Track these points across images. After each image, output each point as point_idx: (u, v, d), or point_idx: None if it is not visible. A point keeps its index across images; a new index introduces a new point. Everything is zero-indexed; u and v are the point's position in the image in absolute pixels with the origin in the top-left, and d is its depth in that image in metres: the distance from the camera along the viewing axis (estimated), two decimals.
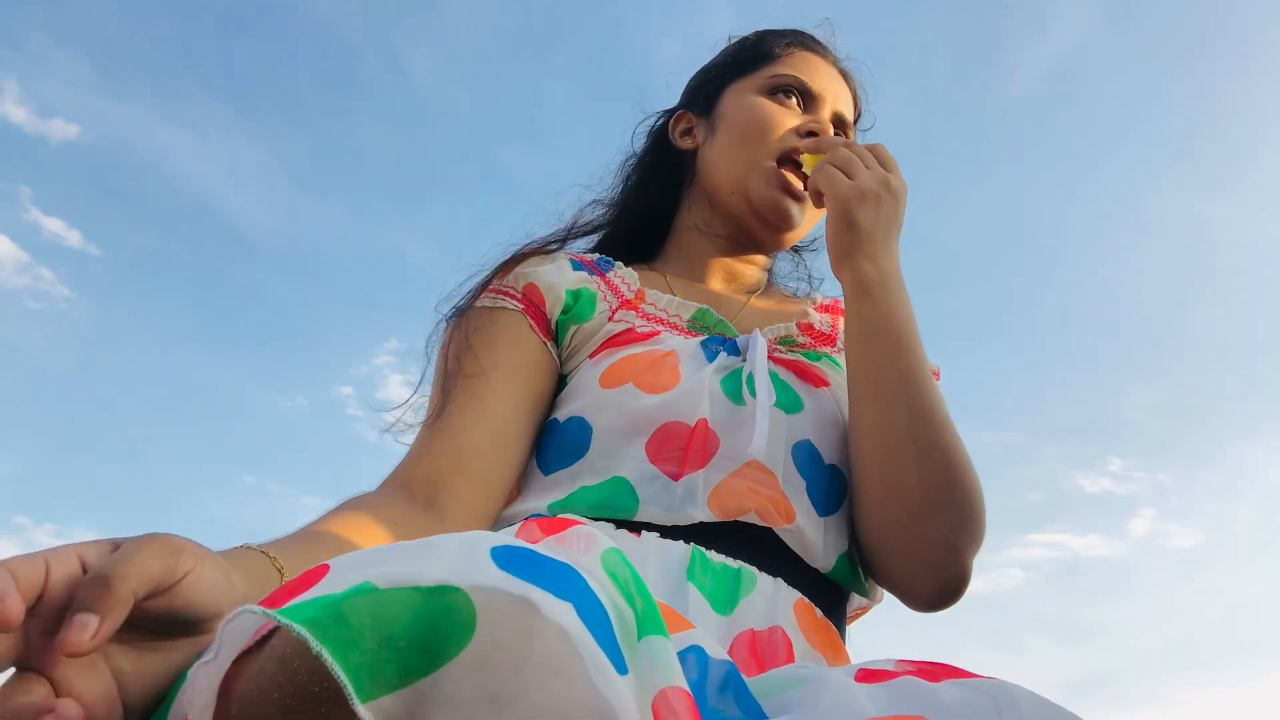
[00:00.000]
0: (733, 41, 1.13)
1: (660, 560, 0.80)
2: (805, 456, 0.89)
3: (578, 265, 1.00)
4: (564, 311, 0.95)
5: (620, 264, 1.03)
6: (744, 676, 0.59)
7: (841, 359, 0.99)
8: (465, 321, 0.95)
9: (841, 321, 1.04)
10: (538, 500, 0.86)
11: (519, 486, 0.91)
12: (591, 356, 0.94)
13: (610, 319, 0.96)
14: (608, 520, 0.83)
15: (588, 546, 0.49)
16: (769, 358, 0.93)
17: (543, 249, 1.02)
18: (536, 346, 0.94)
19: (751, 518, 0.83)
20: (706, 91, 1.10)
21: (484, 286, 0.97)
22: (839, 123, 1.06)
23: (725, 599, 0.78)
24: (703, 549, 0.80)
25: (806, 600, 0.83)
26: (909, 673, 0.57)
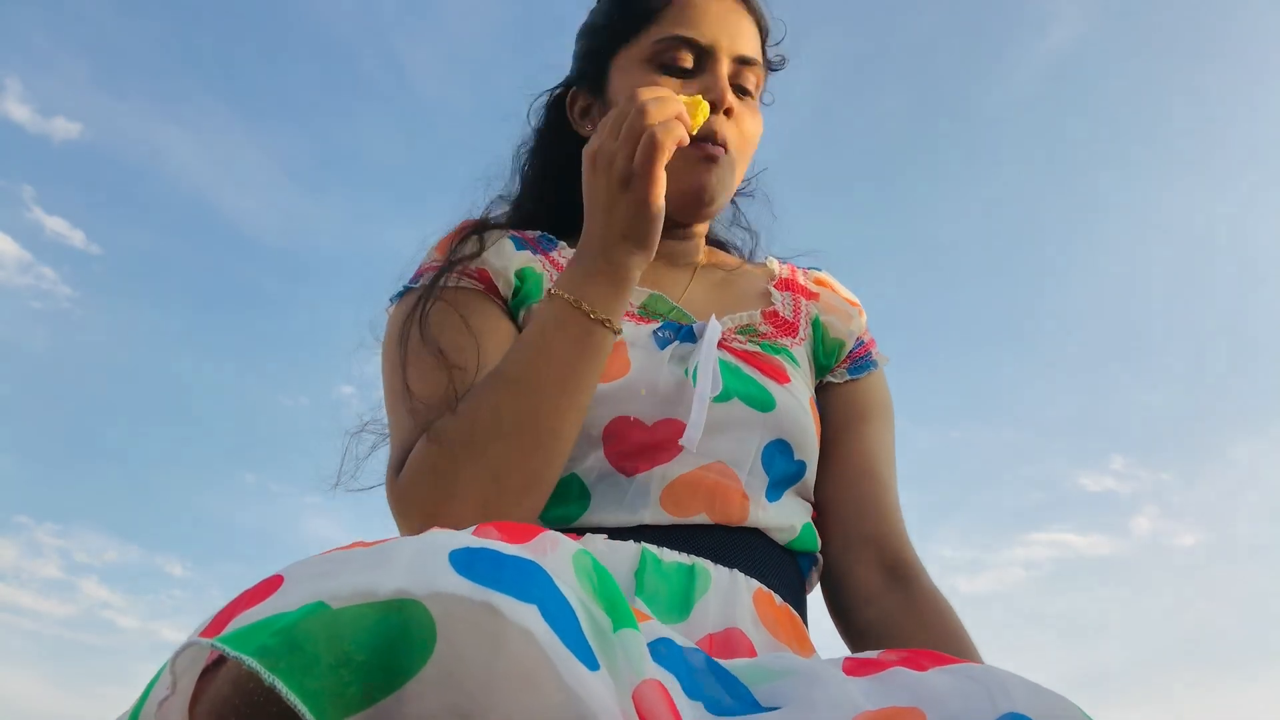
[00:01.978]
0: None
1: (609, 563, 0.77)
2: (777, 456, 0.87)
3: (520, 244, 0.95)
4: (514, 294, 0.91)
5: (564, 244, 0.98)
6: (729, 663, 0.59)
7: (799, 352, 0.97)
8: (410, 299, 0.90)
9: (803, 304, 1.01)
10: None
11: None
12: None
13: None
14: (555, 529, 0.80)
15: (554, 547, 0.48)
16: (727, 349, 0.90)
17: (477, 227, 0.97)
18: (509, 328, 0.89)
19: (701, 518, 0.81)
20: (594, 65, 0.99)
21: (438, 268, 0.91)
22: (743, 64, 0.94)
23: (679, 602, 0.76)
24: (653, 549, 0.79)
25: (765, 589, 0.82)
26: (896, 662, 0.56)
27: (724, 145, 0.91)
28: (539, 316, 0.79)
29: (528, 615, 0.37)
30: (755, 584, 0.81)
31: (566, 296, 0.77)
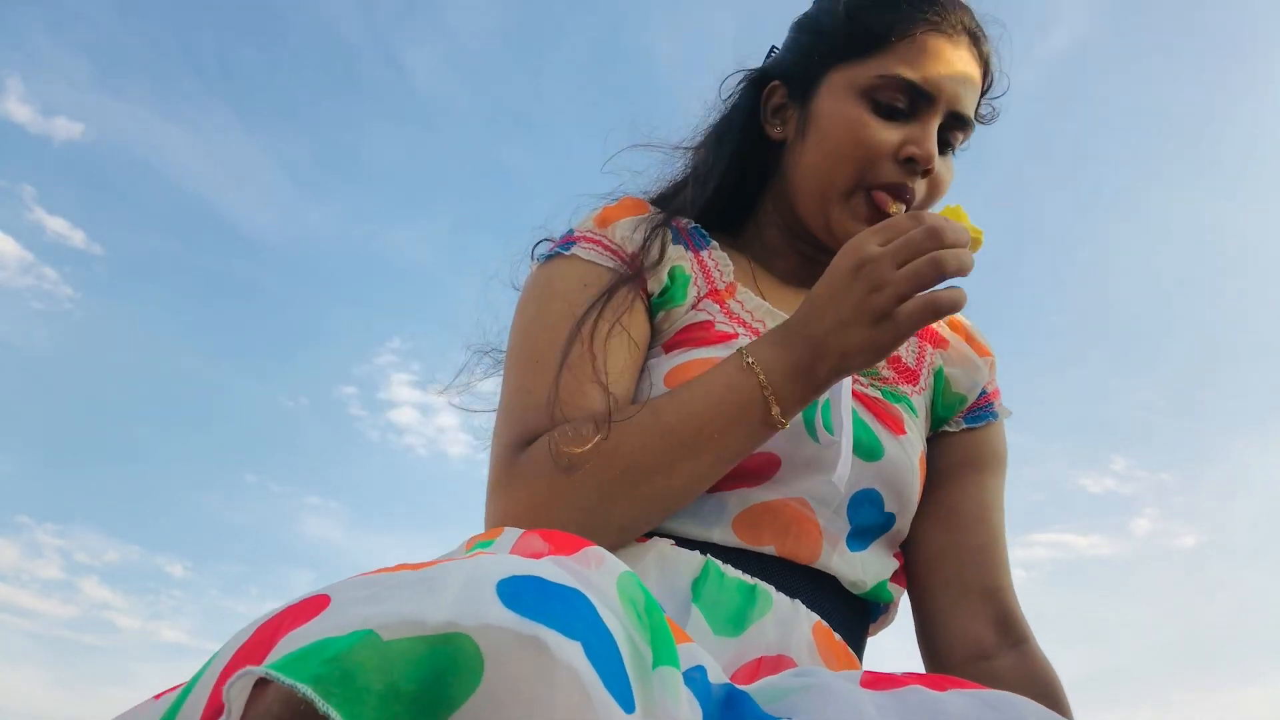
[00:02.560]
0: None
1: (664, 573, 0.77)
2: (865, 504, 0.86)
3: (676, 236, 0.92)
4: (661, 293, 0.88)
5: (716, 244, 0.94)
6: (749, 687, 0.58)
7: (918, 401, 0.94)
8: (571, 268, 0.87)
9: (929, 353, 0.97)
10: None
11: None
12: (665, 347, 0.86)
13: (695, 305, 0.88)
14: None
15: (598, 564, 0.48)
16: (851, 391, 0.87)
17: (639, 205, 0.93)
18: (645, 324, 0.87)
19: (769, 550, 0.81)
20: (807, 70, 0.92)
21: (588, 235, 0.88)
22: (953, 119, 0.88)
23: (735, 618, 0.76)
24: (718, 562, 0.78)
25: (825, 624, 0.80)
26: (915, 681, 0.56)
27: (908, 205, 0.87)
28: (727, 385, 0.75)
29: (573, 653, 0.37)
30: (816, 617, 0.80)
31: (764, 387, 0.73)
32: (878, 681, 0.56)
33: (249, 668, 0.36)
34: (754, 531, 0.80)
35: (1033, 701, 0.51)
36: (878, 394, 0.90)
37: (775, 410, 0.73)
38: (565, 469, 0.73)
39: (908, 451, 0.88)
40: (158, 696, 0.51)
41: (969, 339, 1.01)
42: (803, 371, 0.73)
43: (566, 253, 0.88)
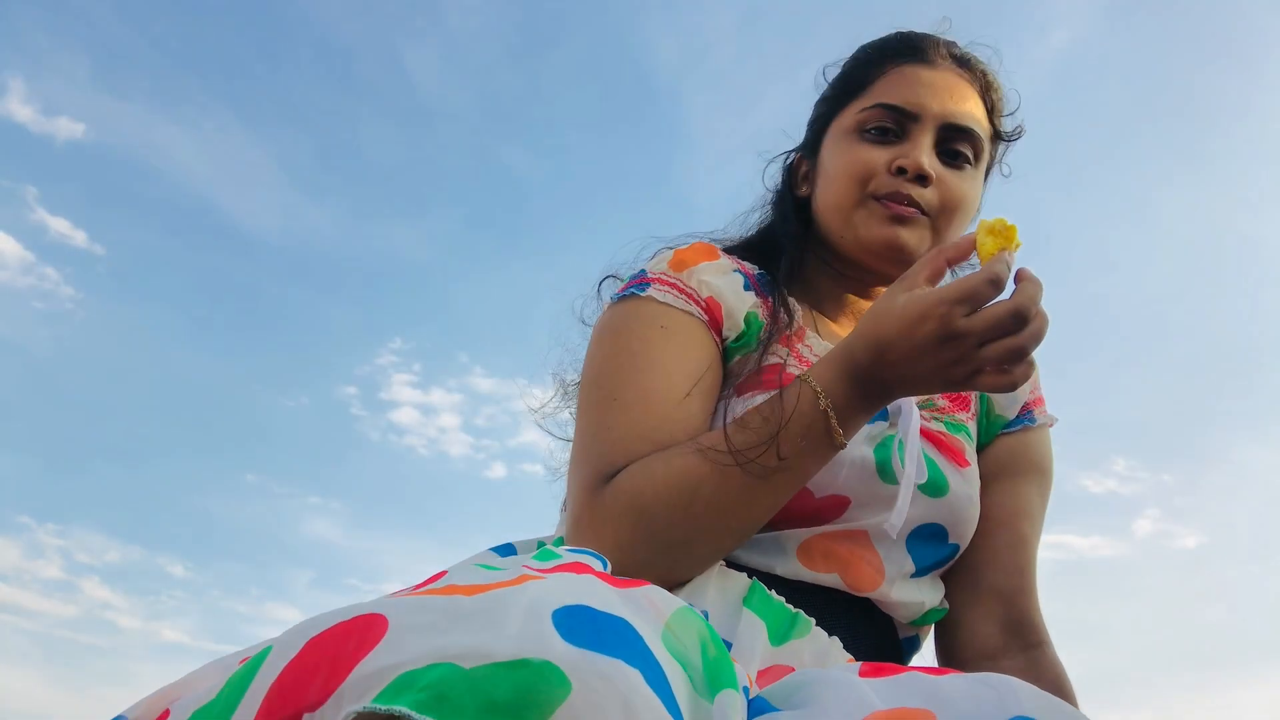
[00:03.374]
0: (842, 64, 1.04)
1: (719, 586, 0.79)
2: (929, 538, 0.88)
3: (748, 284, 0.94)
4: (736, 338, 0.90)
5: (784, 291, 0.96)
6: (765, 690, 0.60)
7: (971, 426, 0.97)
8: (648, 309, 0.88)
9: None
10: None
11: None
12: (737, 389, 0.88)
13: (766, 349, 0.90)
14: None
15: (651, 604, 0.49)
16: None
17: (710, 250, 0.95)
18: (720, 368, 0.88)
19: (834, 582, 0.83)
20: (814, 131, 1.03)
21: (662, 278, 0.90)
22: (950, 131, 0.93)
23: (778, 632, 0.78)
24: (764, 585, 0.80)
25: (854, 660, 0.82)
26: (914, 668, 0.58)
27: (918, 207, 0.91)
28: (797, 414, 0.76)
29: (635, 681, 0.39)
30: (849, 656, 0.82)
31: (832, 421, 0.76)
32: (876, 671, 0.58)
33: (353, 707, 0.37)
34: (818, 561, 0.83)
35: (1026, 683, 0.52)
36: (941, 427, 0.93)
37: (840, 443, 0.77)
38: (646, 508, 0.75)
39: (970, 483, 0.91)
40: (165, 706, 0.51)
41: None
42: (870, 403, 0.77)
43: (642, 294, 0.89)
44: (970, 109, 0.94)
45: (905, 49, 0.97)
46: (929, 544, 0.88)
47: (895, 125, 0.92)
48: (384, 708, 0.35)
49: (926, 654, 0.95)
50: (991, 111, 0.98)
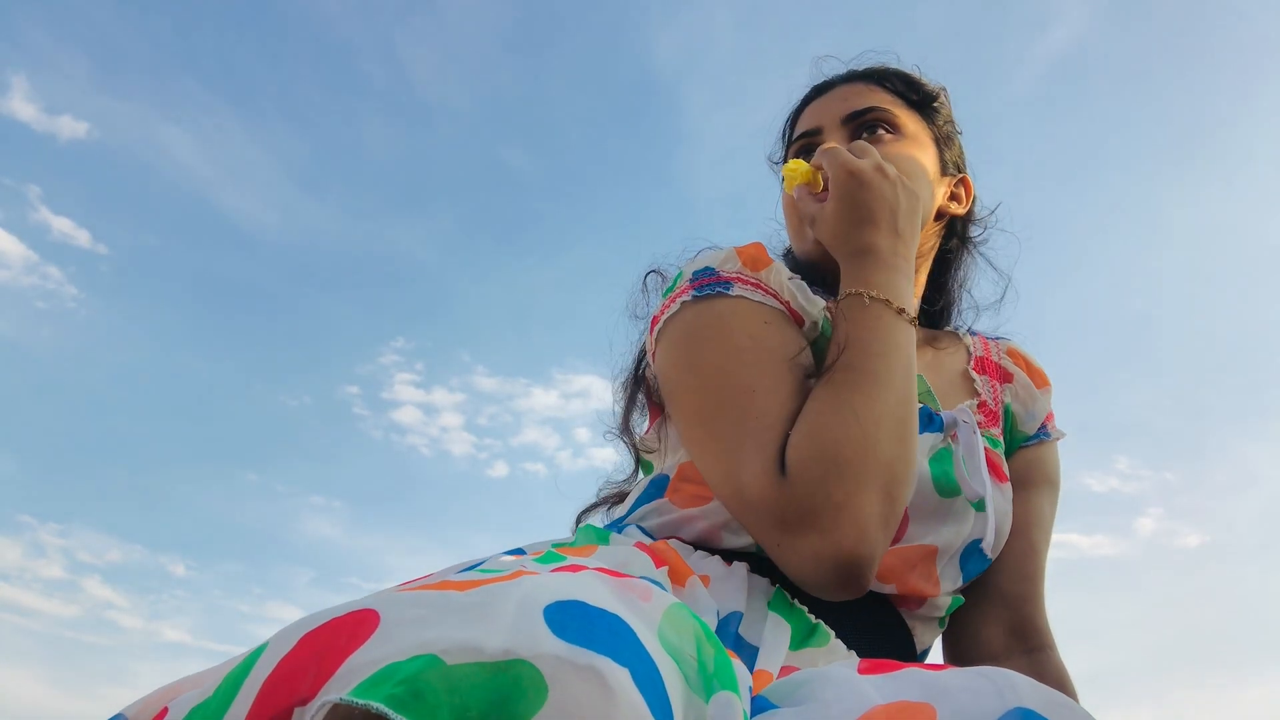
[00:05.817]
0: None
1: (748, 586, 0.79)
2: (975, 553, 0.89)
3: (812, 289, 0.93)
4: (815, 340, 0.89)
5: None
6: (767, 690, 0.60)
7: (1002, 440, 0.99)
8: (745, 307, 0.87)
9: (999, 390, 1.02)
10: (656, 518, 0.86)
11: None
12: None
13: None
14: (705, 549, 0.82)
15: (646, 598, 0.49)
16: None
17: (765, 250, 0.95)
18: (813, 368, 0.86)
19: (890, 590, 0.83)
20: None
21: (742, 277, 0.89)
22: (853, 119, 0.99)
23: (797, 639, 0.78)
24: (786, 592, 0.80)
25: None
26: (913, 665, 0.58)
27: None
28: (874, 325, 0.81)
29: (623, 679, 0.39)
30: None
31: (894, 307, 0.82)
32: (875, 667, 0.58)
33: (329, 697, 0.37)
34: (879, 573, 0.82)
35: (1024, 676, 0.52)
36: (986, 442, 0.93)
37: (910, 318, 0.83)
38: (840, 454, 0.72)
39: (1008, 499, 0.92)
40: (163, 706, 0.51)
41: (1029, 370, 1.05)
42: (901, 269, 0.85)
43: (730, 292, 0.87)
44: (867, 99, 1.00)
45: (812, 93, 1.07)
46: (973, 558, 0.89)
47: (811, 148, 1.00)
48: (360, 702, 0.35)
49: (934, 657, 0.95)
50: (898, 92, 1.02)
